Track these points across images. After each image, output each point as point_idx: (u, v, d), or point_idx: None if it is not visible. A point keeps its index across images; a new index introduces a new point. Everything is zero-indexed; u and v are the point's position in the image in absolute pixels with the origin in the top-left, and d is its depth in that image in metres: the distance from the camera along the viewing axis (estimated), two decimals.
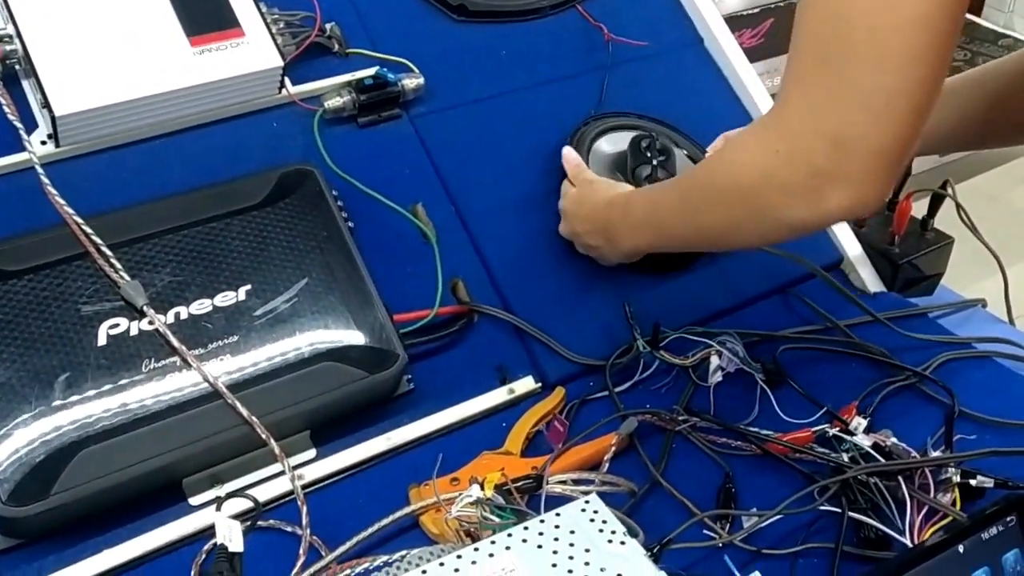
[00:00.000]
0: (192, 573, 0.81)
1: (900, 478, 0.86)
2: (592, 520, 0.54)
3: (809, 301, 1.10)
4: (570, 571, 0.50)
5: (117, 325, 0.83)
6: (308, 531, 0.82)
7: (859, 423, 0.94)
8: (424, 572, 0.50)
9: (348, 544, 0.82)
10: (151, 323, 0.83)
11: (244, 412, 0.83)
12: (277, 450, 0.83)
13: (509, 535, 0.53)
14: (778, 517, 0.85)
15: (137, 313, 0.84)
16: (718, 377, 1.01)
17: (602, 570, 0.50)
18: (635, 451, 0.94)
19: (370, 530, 0.83)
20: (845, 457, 0.90)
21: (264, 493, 0.86)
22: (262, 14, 1.00)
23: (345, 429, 0.91)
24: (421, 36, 1.12)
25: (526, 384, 0.98)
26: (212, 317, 0.86)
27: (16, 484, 0.76)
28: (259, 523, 0.85)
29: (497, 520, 0.59)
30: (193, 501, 0.85)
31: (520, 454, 0.91)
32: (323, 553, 0.82)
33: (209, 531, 0.84)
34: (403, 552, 0.72)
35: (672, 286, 1.08)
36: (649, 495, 0.89)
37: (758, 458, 0.95)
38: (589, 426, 0.94)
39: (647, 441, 0.95)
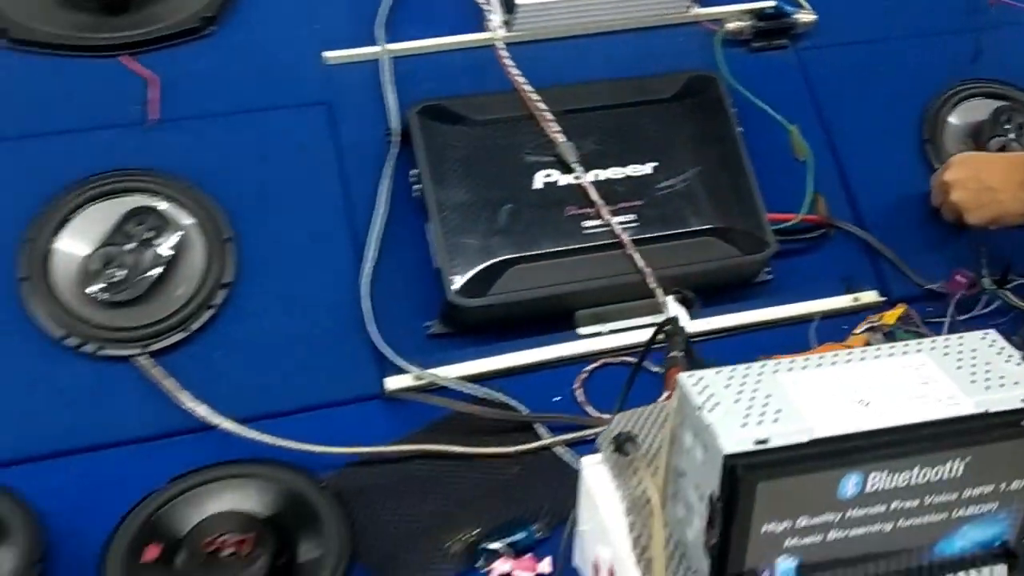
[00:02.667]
0: (575, 385, 0.99)
1: None
2: (991, 346, 0.64)
3: None
4: (973, 372, 0.61)
5: (550, 175, 1.02)
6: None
7: None
8: (833, 362, 0.63)
9: None
10: (577, 178, 1.01)
11: (641, 263, 0.99)
12: (663, 299, 0.99)
13: (919, 344, 0.65)
14: None
15: (567, 169, 1.02)
16: None
17: (1002, 377, 0.61)
18: None
19: None
20: None
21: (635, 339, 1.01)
22: None
23: (708, 301, 1.05)
24: None
25: (870, 296, 1.08)
26: (623, 182, 1.02)
27: (466, 281, 0.97)
28: (630, 360, 1.00)
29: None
30: (580, 331, 1.02)
31: None
32: None
33: (591, 357, 1.01)
34: None
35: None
36: None
37: None
38: None
39: None
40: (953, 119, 1.19)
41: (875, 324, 0.89)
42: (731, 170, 1.05)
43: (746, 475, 0.56)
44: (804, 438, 0.58)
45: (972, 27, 1.24)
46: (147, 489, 0.85)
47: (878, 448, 0.57)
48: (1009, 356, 0.63)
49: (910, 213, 1.13)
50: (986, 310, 1.08)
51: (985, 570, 0.65)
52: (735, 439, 0.57)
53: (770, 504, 0.57)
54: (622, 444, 0.71)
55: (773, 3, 1.18)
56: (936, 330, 1.05)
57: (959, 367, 0.62)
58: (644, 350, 0.80)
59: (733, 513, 0.57)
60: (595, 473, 0.75)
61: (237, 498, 0.82)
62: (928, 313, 1.08)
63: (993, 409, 0.59)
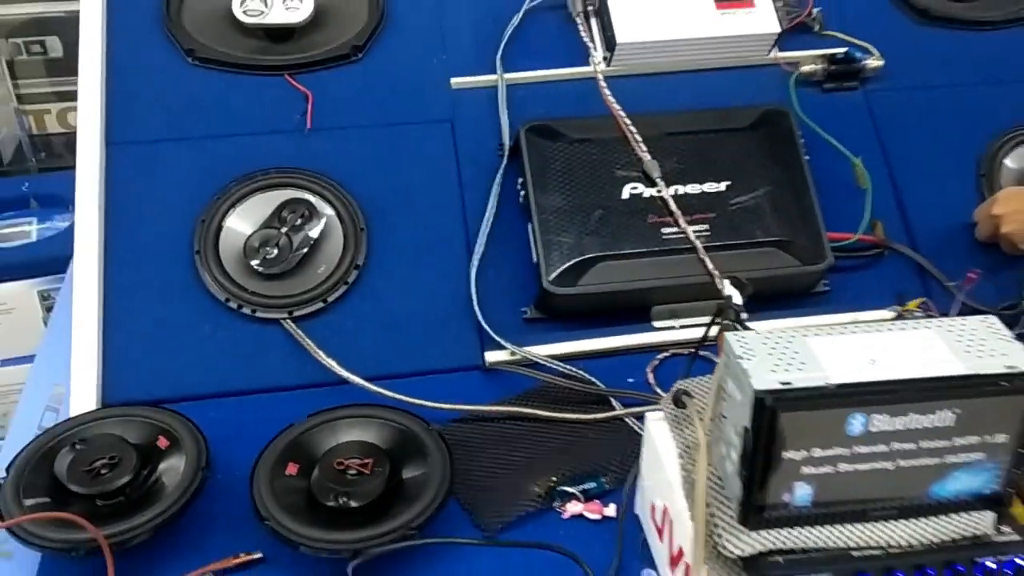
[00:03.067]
0: (647, 370, 1.15)
1: None
2: (989, 327, 0.77)
3: None
4: (970, 345, 0.74)
5: (636, 188, 1.18)
6: None
7: None
8: (854, 332, 0.77)
9: None
10: (659, 191, 1.18)
11: (711, 267, 1.14)
12: (739, 296, 1.13)
13: (927, 323, 0.78)
14: None
15: (650, 182, 1.18)
16: None
17: (993, 350, 0.74)
18: None
19: None
20: None
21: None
22: None
23: (769, 306, 1.19)
24: (886, 29, 1.37)
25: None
26: (699, 197, 1.18)
27: (559, 273, 1.14)
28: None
29: None
30: (655, 324, 1.18)
31: None
32: None
33: (663, 348, 1.17)
34: None
35: None
36: None
37: None
38: None
39: None
40: (1009, 161, 1.31)
41: (899, 311, 1.03)
42: (796, 192, 1.20)
43: (772, 406, 0.71)
44: (821, 383, 0.72)
45: None
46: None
47: (880, 395, 0.72)
48: (1003, 336, 0.77)
49: (962, 240, 1.25)
50: None
51: (975, 514, 0.78)
52: (765, 380, 0.73)
53: (790, 434, 0.72)
54: (679, 398, 0.87)
55: (844, 49, 1.33)
56: None
57: (958, 341, 0.76)
58: (707, 329, 0.95)
59: (760, 440, 0.73)
60: (657, 426, 0.91)
61: (362, 432, 1.00)
62: None
63: (980, 372, 0.73)
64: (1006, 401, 0.72)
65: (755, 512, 0.76)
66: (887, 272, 1.24)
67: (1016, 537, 0.77)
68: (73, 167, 1.22)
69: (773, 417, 0.71)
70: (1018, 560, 0.77)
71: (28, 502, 0.93)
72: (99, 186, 1.21)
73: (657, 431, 0.91)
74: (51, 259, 1.62)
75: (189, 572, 0.92)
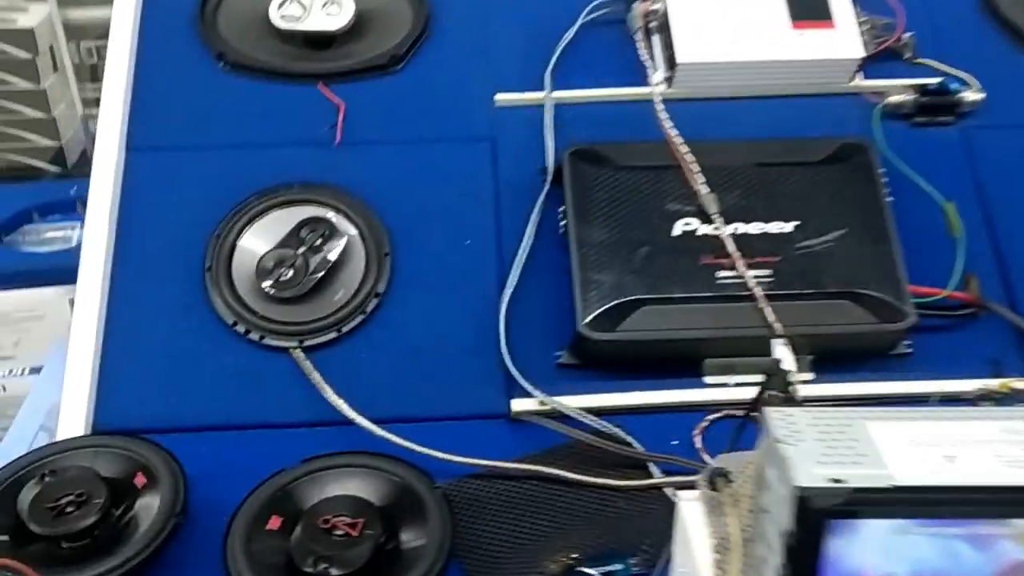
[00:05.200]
0: (695, 432, 1.01)
1: None
2: None
3: None
4: None
5: (689, 224, 1.05)
6: None
7: None
8: (925, 418, 0.63)
9: None
10: (716, 229, 1.04)
11: (772, 318, 1.00)
12: (791, 359, 0.99)
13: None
14: None
15: (706, 219, 1.05)
16: None
17: None
18: None
19: None
20: None
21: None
22: (855, 14, 1.17)
23: (839, 367, 1.05)
24: (989, 59, 1.21)
25: (1021, 383, 1.04)
26: (762, 238, 1.04)
27: (595, 316, 1.01)
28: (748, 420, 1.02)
29: None
30: (706, 380, 1.04)
31: None
32: None
33: (714, 407, 1.03)
34: None
35: None
36: None
37: None
38: None
39: None
40: None
41: (984, 390, 0.87)
42: (875, 237, 1.05)
43: (818, 509, 0.57)
44: (883, 483, 0.58)
45: None
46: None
47: (958, 505, 0.58)
48: None
49: None
50: None
51: None
52: (811, 475, 0.59)
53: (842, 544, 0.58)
54: (714, 480, 0.74)
55: (939, 79, 1.18)
56: None
57: None
58: (755, 397, 0.82)
59: (803, 550, 0.59)
60: (690, 509, 0.78)
61: (356, 485, 0.89)
62: None
63: None
64: None
65: None
66: (980, 335, 1.08)
67: None
68: None
69: (819, 523, 0.57)
70: None
71: None
72: (113, 193, 1.14)
73: (689, 515, 0.77)
74: None
75: None
